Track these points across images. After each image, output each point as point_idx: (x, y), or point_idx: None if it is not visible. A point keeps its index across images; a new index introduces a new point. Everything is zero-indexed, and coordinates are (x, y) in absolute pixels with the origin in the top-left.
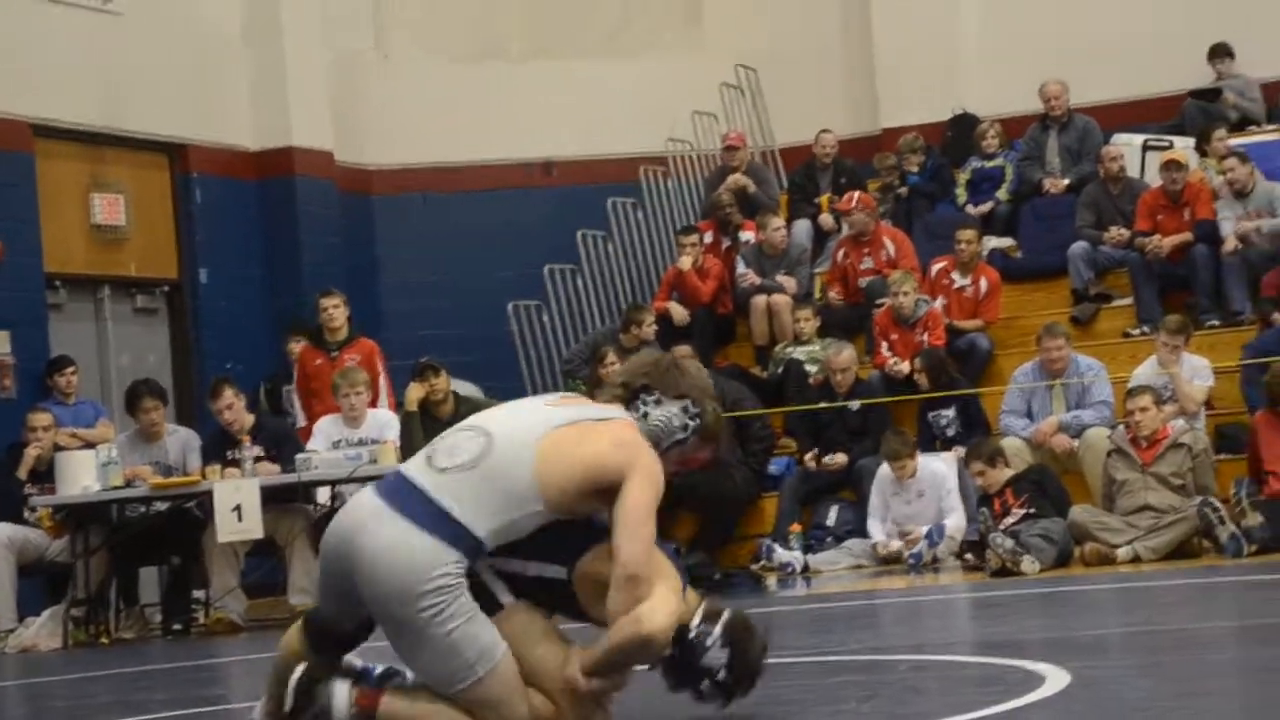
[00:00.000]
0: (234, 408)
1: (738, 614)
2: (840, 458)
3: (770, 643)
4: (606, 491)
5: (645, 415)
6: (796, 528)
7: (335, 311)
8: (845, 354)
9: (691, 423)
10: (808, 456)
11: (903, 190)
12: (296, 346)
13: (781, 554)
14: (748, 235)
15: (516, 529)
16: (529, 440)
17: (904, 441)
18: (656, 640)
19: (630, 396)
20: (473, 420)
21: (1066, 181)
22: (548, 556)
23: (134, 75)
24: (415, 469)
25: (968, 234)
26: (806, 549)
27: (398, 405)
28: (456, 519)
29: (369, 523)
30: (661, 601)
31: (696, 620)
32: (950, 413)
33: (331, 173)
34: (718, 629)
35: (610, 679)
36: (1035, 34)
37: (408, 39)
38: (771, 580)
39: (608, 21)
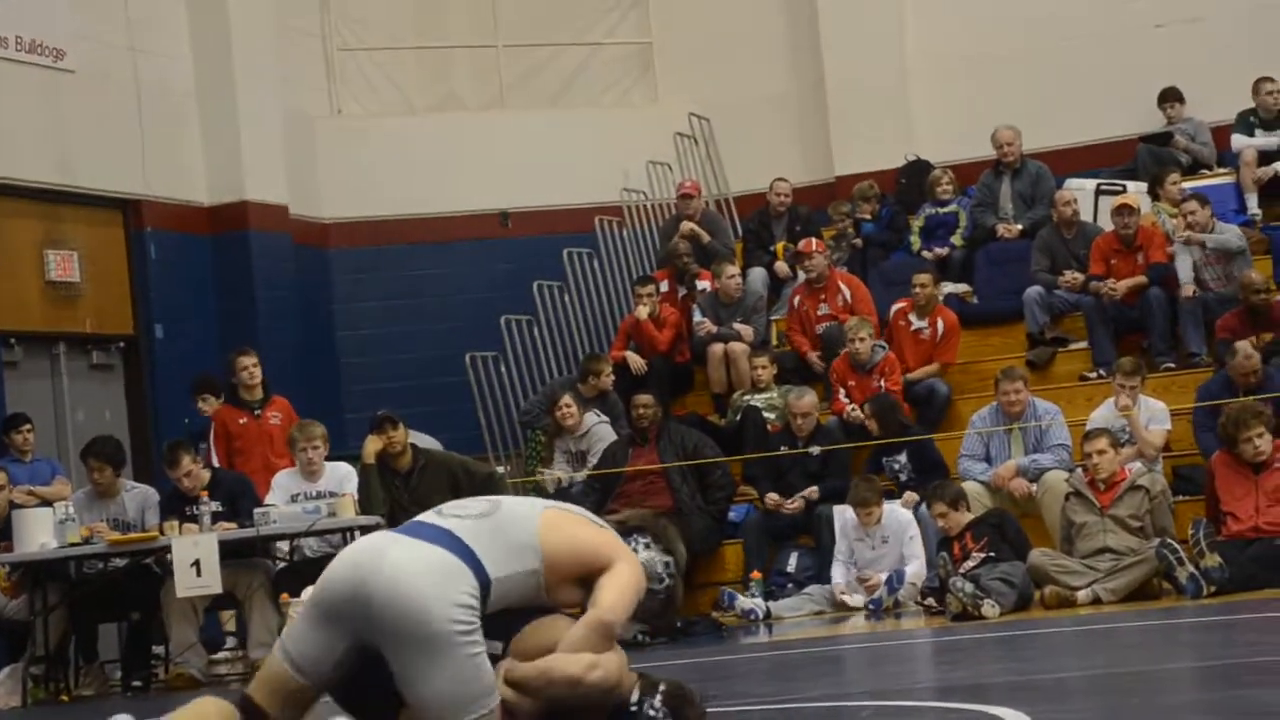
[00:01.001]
0: (192, 474)
1: (673, 683)
2: (798, 503)
3: (706, 709)
4: (592, 576)
5: (634, 550)
6: (757, 575)
7: (254, 370)
8: (807, 399)
9: (668, 579)
10: (768, 497)
11: (857, 241)
12: (206, 406)
13: (743, 601)
14: (704, 284)
15: (512, 589)
16: (534, 510)
17: (872, 488)
18: (591, 688)
19: (624, 532)
20: (486, 501)
21: (1020, 227)
22: (488, 633)
23: (87, 132)
24: (424, 517)
25: (923, 278)
26: (767, 595)
27: (354, 460)
28: (473, 551)
29: (389, 547)
30: (614, 663)
31: (635, 695)
32: (903, 458)
33: (287, 226)
34: (658, 699)
35: (526, 698)
36: (987, 80)
37: (362, 92)
38: (733, 627)
39: (562, 72)
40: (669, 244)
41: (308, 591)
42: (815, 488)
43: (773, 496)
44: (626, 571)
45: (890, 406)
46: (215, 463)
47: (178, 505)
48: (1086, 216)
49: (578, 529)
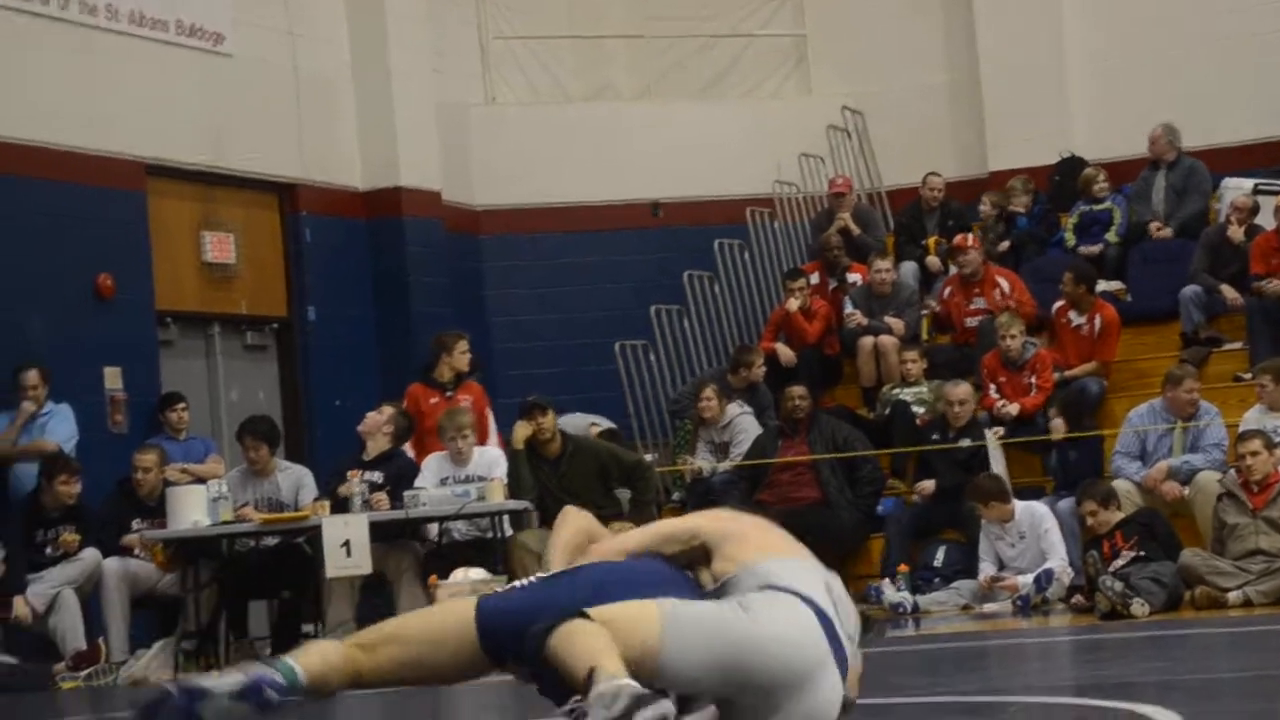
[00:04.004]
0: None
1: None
2: (927, 484)
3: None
4: None
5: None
6: (904, 568)
7: (466, 354)
8: (963, 388)
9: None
10: (919, 485)
11: (1003, 245)
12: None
13: (890, 595)
14: (855, 277)
15: None
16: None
17: (996, 482)
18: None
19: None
20: (829, 576)
21: (1170, 232)
22: None
23: (244, 116)
24: (834, 617)
25: (1066, 276)
26: (914, 589)
27: (507, 444)
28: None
29: (826, 672)
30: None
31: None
32: (1073, 454)
33: (439, 212)
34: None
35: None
36: (1145, 77)
37: (515, 80)
38: (880, 620)
39: (716, 64)
40: (822, 237)
41: (457, 574)
42: (931, 481)
43: (924, 484)
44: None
45: (1077, 405)
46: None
47: (333, 485)
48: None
49: None
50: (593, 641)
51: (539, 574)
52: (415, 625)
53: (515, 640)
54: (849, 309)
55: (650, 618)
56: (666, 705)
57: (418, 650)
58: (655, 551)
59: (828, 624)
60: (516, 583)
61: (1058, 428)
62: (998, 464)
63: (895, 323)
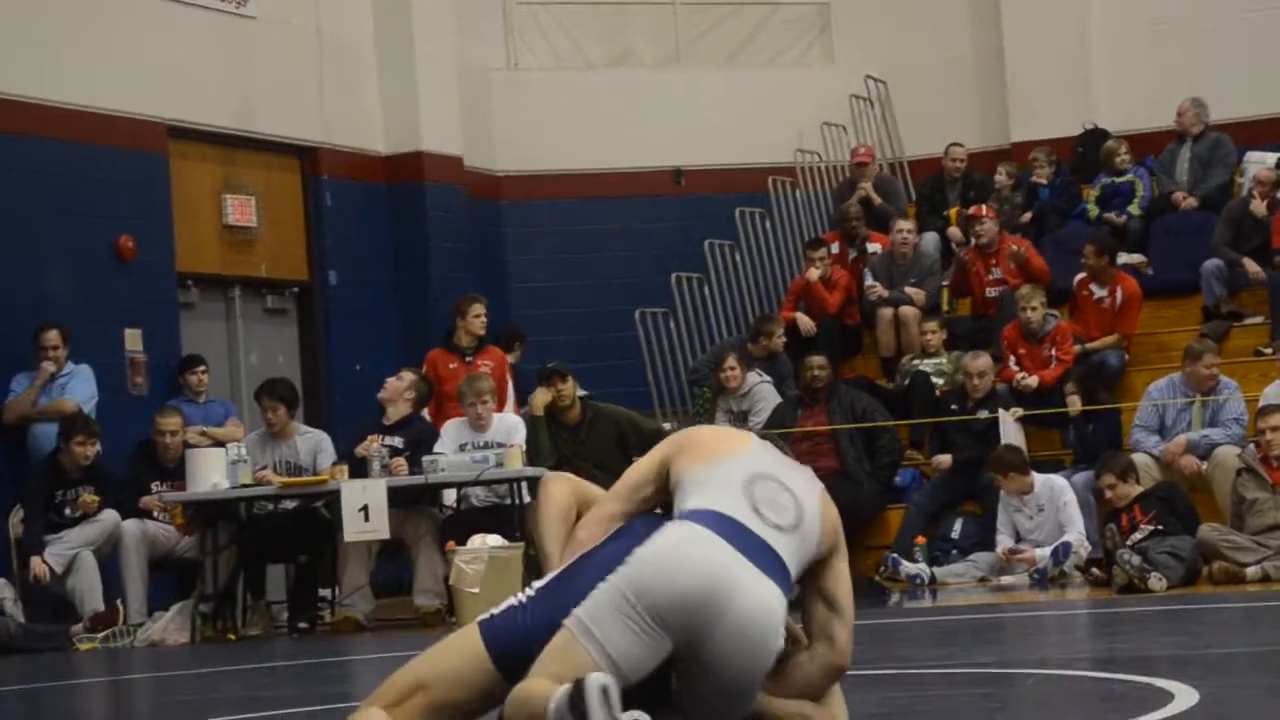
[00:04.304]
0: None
1: None
2: (944, 458)
3: None
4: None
5: None
6: (922, 540)
7: (484, 319)
8: (982, 360)
9: None
10: (936, 459)
11: (1025, 217)
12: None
13: (908, 567)
14: (875, 247)
15: None
16: (816, 508)
17: (1015, 454)
18: None
19: None
20: (769, 470)
21: (1195, 202)
22: None
23: (266, 79)
24: (748, 518)
25: (1088, 249)
26: (931, 561)
27: (524, 411)
28: (791, 580)
29: (742, 579)
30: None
31: None
32: (1090, 428)
33: (461, 178)
34: None
35: None
36: (1169, 50)
37: (538, 45)
38: (896, 591)
39: (739, 31)
40: (841, 206)
41: (475, 540)
42: (948, 455)
43: (940, 458)
44: (846, 571)
45: (1094, 379)
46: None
47: (351, 448)
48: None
49: (829, 509)
50: (536, 691)
51: (534, 584)
52: (432, 670)
53: (529, 657)
54: (869, 280)
55: (570, 642)
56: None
57: (443, 693)
58: (639, 502)
59: (733, 529)
60: (513, 599)
61: (1074, 403)
62: (1010, 439)
63: (915, 293)
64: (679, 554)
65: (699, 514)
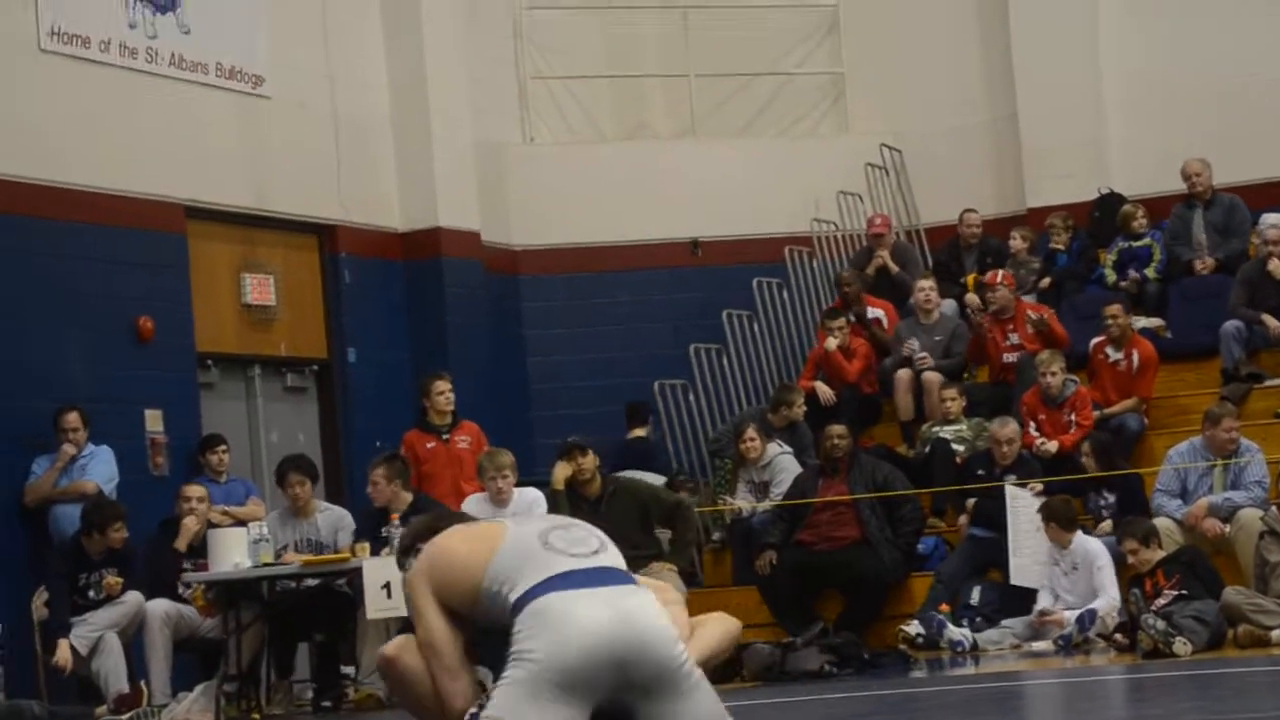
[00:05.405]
0: (379, 488)
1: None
2: (964, 520)
3: None
4: None
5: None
6: (946, 608)
7: (449, 395)
8: (1010, 427)
9: None
10: (961, 519)
11: (1044, 283)
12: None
13: (952, 631)
14: (879, 313)
15: None
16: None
17: (1067, 505)
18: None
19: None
20: (545, 523)
21: (1214, 261)
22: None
23: (283, 158)
24: (572, 563)
25: (1113, 309)
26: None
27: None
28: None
29: (622, 602)
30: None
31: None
32: (1111, 496)
33: (478, 253)
34: None
35: None
36: (1183, 114)
37: (554, 120)
38: (921, 659)
39: (753, 102)
40: (838, 273)
41: None
42: (963, 517)
43: (962, 519)
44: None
45: (1109, 444)
46: None
47: (373, 527)
48: None
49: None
50: None
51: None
52: None
53: None
54: (909, 339)
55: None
56: None
57: None
58: (460, 650)
59: (576, 578)
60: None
61: (1089, 466)
62: (1018, 514)
63: (946, 363)
64: (566, 622)
65: (538, 588)
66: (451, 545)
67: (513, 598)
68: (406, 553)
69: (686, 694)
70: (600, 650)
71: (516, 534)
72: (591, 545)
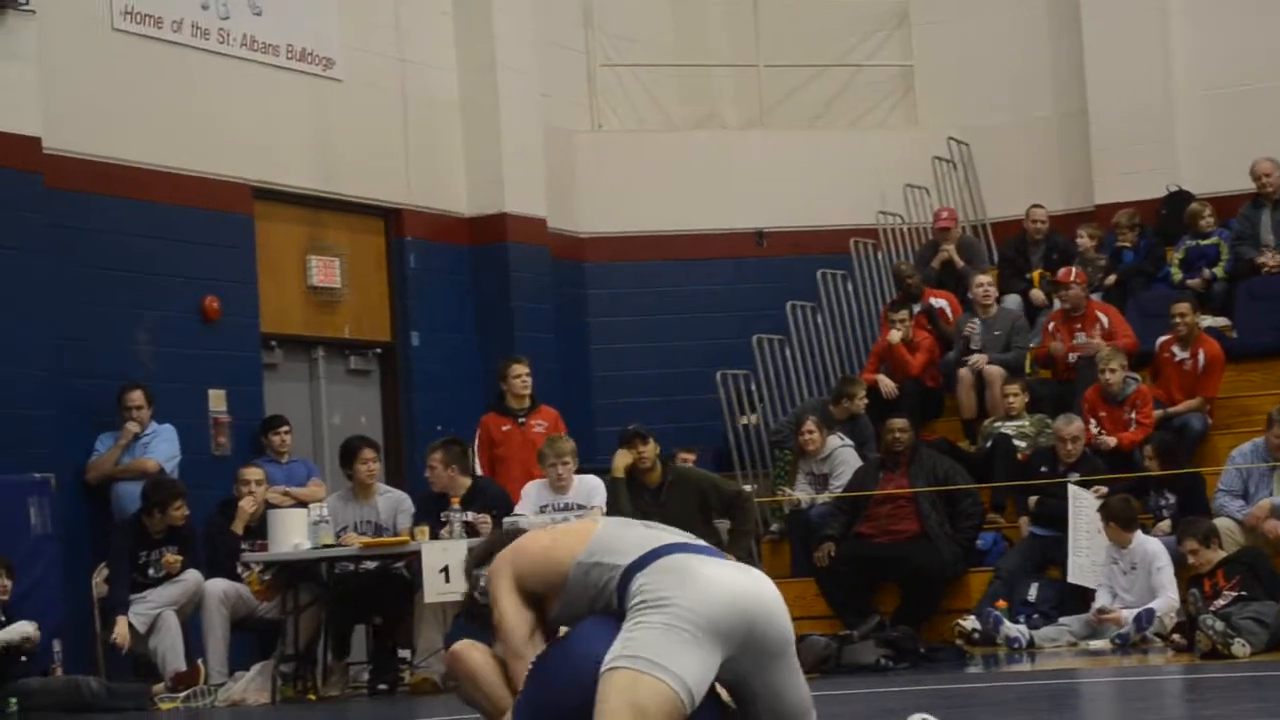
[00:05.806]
0: (436, 473)
1: None
2: (1025, 520)
3: None
4: None
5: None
6: (1002, 604)
7: (526, 378)
8: (1075, 424)
9: None
10: (1022, 519)
11: (1110, 280)
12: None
13: (1009, 628)
14: (942, 303)
15: None
16: None
17: (1129, 505)
18: None
19: None
20: (623, 520)
21: None
22: None
23: (352, 141)
24: (682, 538)
25: (1181, 307)
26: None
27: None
28: None
29: (750, 570)
30: None
31: None
32: (1172, 498)
33: (544, 240)
34: None
35: None
36: (1253, 112)
37: (622, 108)
38: (978, 655)
39: (822, 94)
40: (896, 264)
41: None
42: (1025, 519)
43: (1024, 520)
44: None
45: (1172, 446)
46: (479, 470)
47: (432, 510)
48: None
49: None
50: None
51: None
52: None
53: None
54: (976, 334)
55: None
56: None
57: None
58: (535, 634)
59: (690, 547)
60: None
61: (1152, 467)
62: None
63: (1005, 357)
64: (700, 575)
65: (656, 552)
66: (539, 536)
67: (624, 563)
68: (481, 563)
69: (795, 670)
70: (741, 602)
71: (612, 520)
72: (685, 535)
